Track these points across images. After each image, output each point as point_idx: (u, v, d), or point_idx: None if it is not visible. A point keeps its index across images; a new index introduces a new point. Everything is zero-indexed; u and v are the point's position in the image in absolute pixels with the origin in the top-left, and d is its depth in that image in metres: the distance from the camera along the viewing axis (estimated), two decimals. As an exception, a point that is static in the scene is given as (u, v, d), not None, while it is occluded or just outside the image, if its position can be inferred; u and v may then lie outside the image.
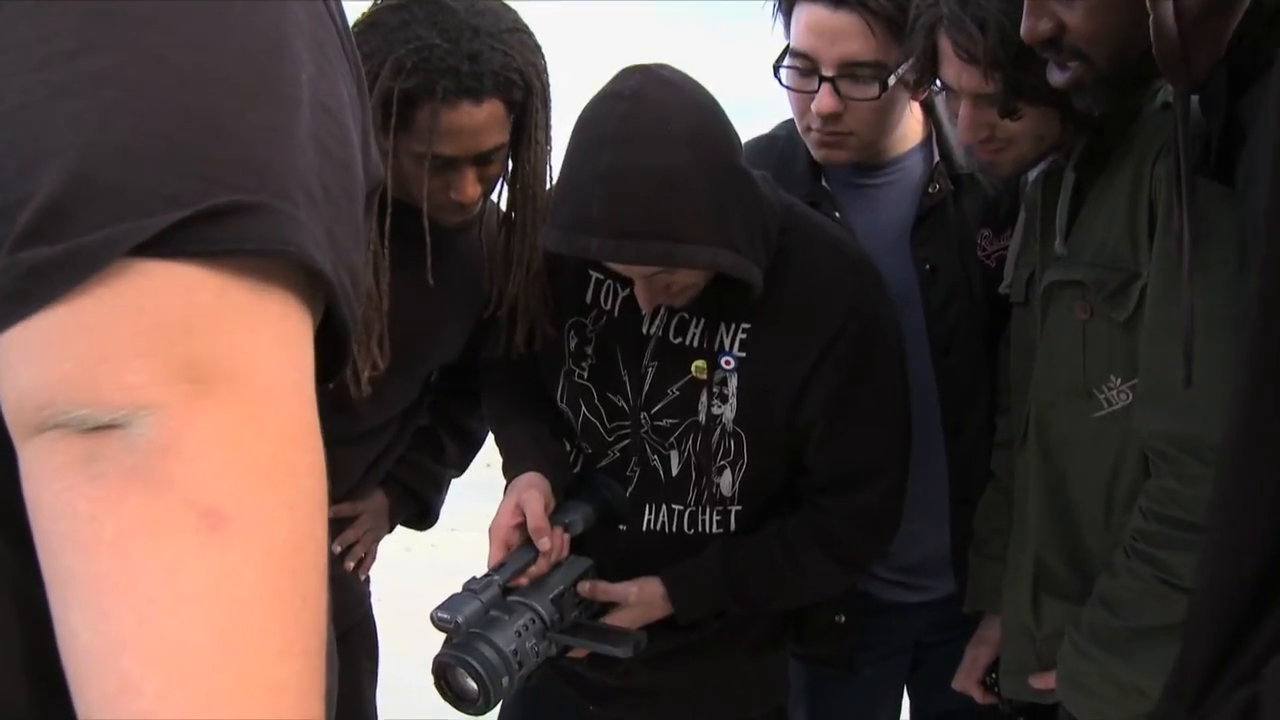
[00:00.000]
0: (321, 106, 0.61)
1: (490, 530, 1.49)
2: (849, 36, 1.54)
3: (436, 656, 1.37)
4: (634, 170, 1.32)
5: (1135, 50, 1.13)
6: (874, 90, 1.56)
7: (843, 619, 1.77)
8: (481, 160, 1.48)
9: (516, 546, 1.48)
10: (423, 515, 1.92)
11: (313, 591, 0.58)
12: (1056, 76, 1.20)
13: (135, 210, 0.52)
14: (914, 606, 1.81)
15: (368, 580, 1.85)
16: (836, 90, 1.57)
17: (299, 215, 0.56)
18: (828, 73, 1.57)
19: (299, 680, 0.56)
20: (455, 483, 2.00)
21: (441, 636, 1.40)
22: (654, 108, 1.34)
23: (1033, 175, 1.54)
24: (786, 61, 1.62)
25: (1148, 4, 1.01)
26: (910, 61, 1.45)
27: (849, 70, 1.56)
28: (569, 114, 1.46)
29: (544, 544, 1.46)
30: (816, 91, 1.58)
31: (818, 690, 1.89)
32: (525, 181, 1.52)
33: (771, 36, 1.66)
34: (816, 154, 1.67)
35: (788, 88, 1.64)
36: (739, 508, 1.57)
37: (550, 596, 1.46)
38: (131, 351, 0.52)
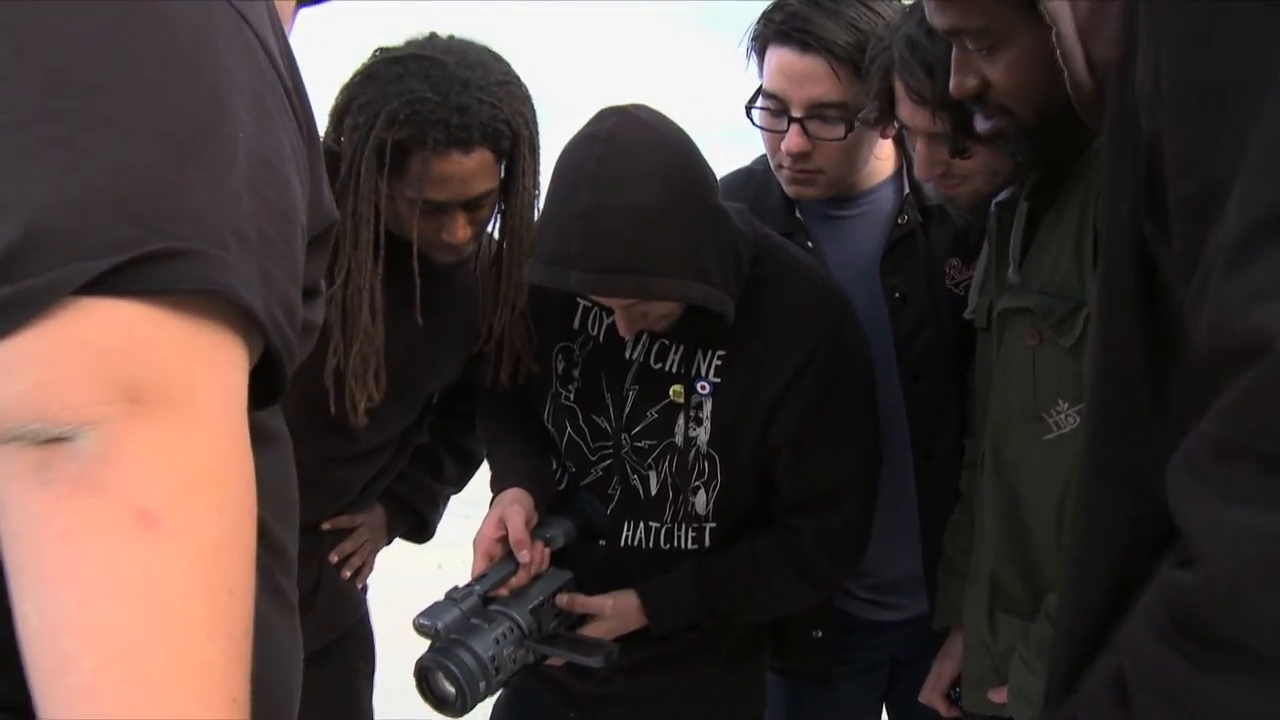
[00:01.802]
0: (260, 159, 0.70)
1: (474, 542, 1.58)
2: (816, 80, 1.63)
3: (418, 660, 1.45)
4: (609, 209, 1.40)
5: (1056, 102, 1.19)
6: (840, 130, 1.64)
7: (820, 635, 1.83)
8: (471, 205, 1.58)
9: (499, 558, 1.56)
10: (420, 529, 2.01)
11: (239, 584, 0.67)
12: (982, 125, 1.27)
13: (81, 255, 0.61)
14: (889, 624, 1.88)
15: (365, 589, 1.94)
16: (805, 130, 1.65)
17: (229, 258, 0.65)
18: (797, 114, 1.65)
19: (224, 661, 0.65)
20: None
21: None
22: (628, 148, 1.42)
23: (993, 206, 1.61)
24: (759, 102, 1.70)
25: (1059, 60, 1.08)
26: (870, 102, 1.53)
27: (817, 111, 1.65)
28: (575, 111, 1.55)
29: (524, 557, 1.54)
30: (786, 131, 1.66)
31: (797, 704, 1.95)
32: (513, 225, 1.61)
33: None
34: (788, 190, 1.75)
35: (760, 127, 1.72)
36: (713, 525, 1.64)
37: (529, 607, 1.54)
38: (77, 375, 0.61)
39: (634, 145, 1.43)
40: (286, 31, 1.09)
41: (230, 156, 0.67)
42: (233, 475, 0.66)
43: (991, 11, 1.14)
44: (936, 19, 1.21)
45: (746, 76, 1.76)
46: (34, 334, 0.60)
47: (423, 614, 1.48)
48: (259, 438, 0.74)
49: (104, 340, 0.61)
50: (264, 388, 0.73)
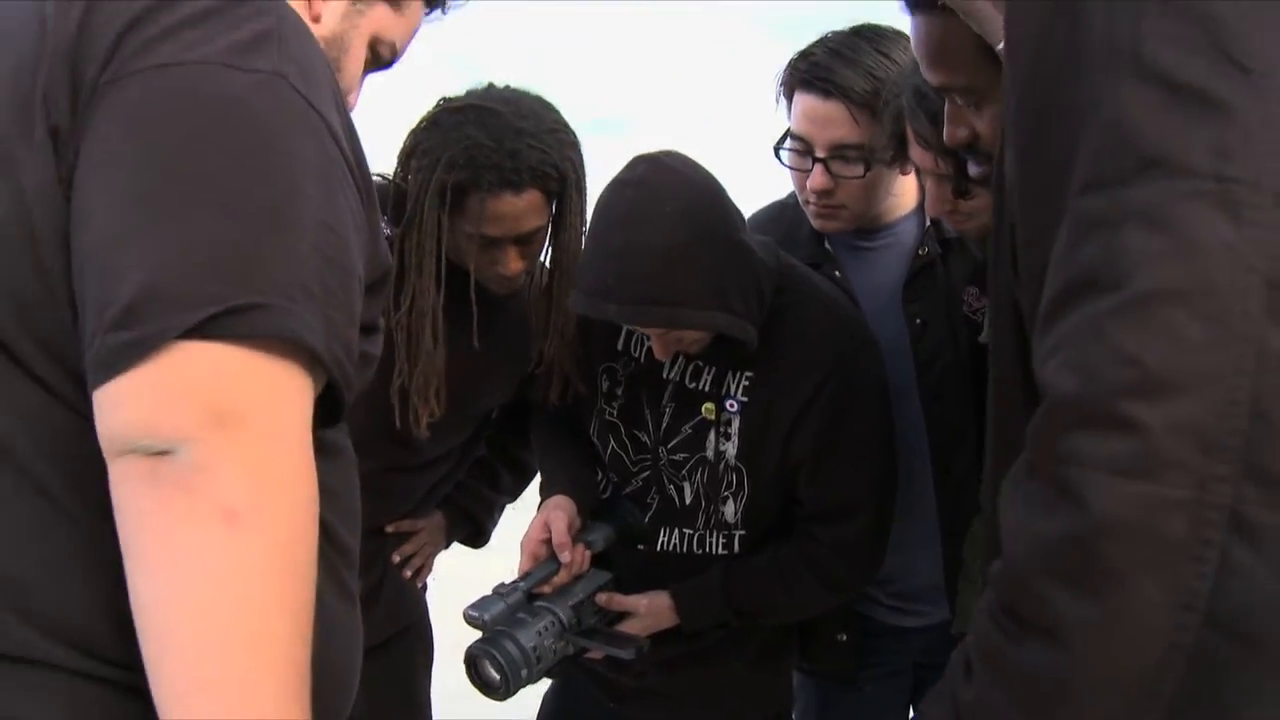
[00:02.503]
0: (324, 225, 0.87)
1: (521, 543, 1.75)
2: (837, 123, 1.77)
3: (468, 648, 1.62)
4: (641, 248, 1.56)
5: None
6: (860, 169, 1.78)
7: (844, 638, 1.96)
8: (522, 240, 1.75)
9: (543, 558, 1.72)
10: (476, 535, 2.18)
11: (304, 572, 0.84)
12: (974, 170, 1.40)
13: (182, 309, 0.78)
14: (911, 630, 1.99)
15: (424, 588, 2.11)
16: (828, 170, 1.79)
17: (297, 309, 0.82)
18: (820, 154, 1.80)
19: (290, 633, 0.82)
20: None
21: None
22: (657, 192, 1.58)
23: None
24: (786, 144, 1.85)
25: None
26: (886, 144, 1.66)
27: (839, 152, 1.79)
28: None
29: (565, 557, 1.70)
30: (811, 170, 1.80)
31: (825, 705, 2.07)
32: (561, 259, 1.78)
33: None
34: (815, 224, 1.89)
35: (788, 167, 1.86)
36: (742, 533, 1.78)
37: (570, 603, 1.70)
38: (178, 403, 0.78)
39: (661, 189, 1.58)
40: (354, 96, 1.27)
41: (300, 226, 0.84)
42: (299, 483, 0.83)
43: (974, 72, 1.26)
44: (929, 76, 1.34)
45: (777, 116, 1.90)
46: (147, 370, 0.78)
47: (472, 606, 1.64)
48: (325, 452, 0.91)
49: (199, 375, 0.79)
50: (328, 410, 0.90)
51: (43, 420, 0.85)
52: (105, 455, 0.80)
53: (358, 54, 1.21)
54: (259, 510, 0.79)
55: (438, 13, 1.33)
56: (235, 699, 0.78)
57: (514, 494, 2.26)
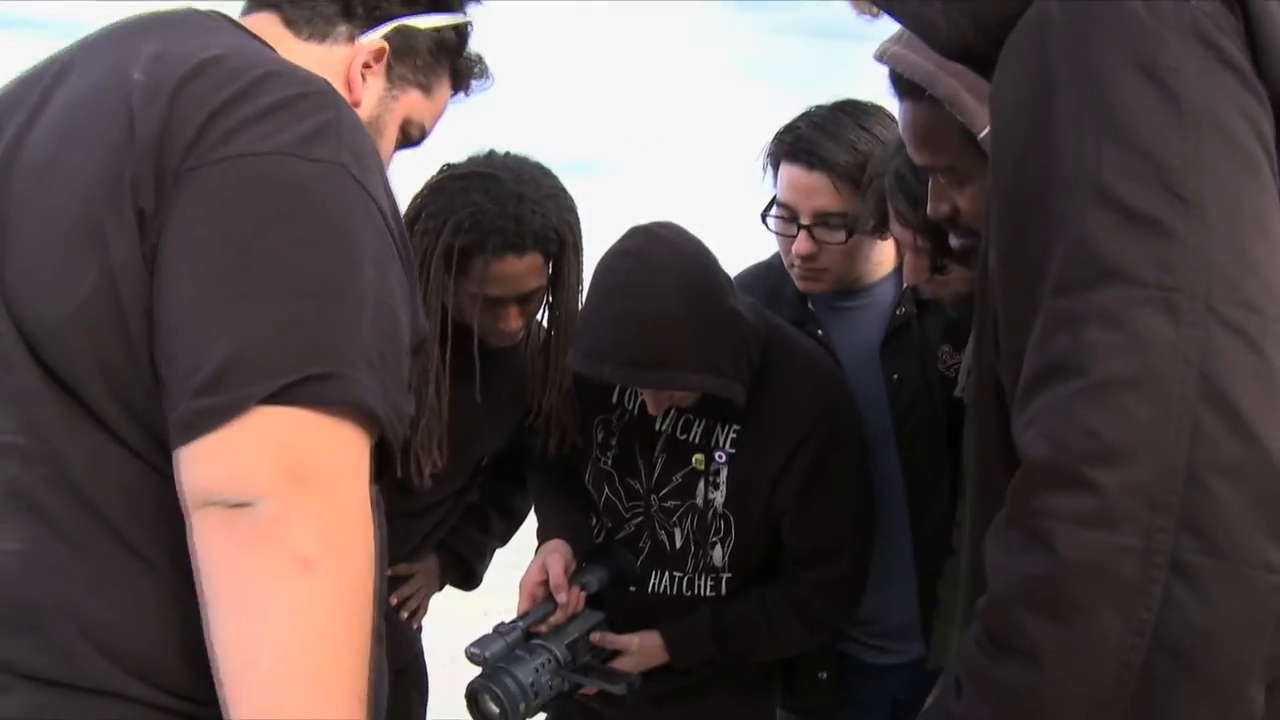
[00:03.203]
0: (380, 303, 0.97)
1: (520, 585, 1.84)
2: (820, 193, 1.89)
3: (469, 684, 1.71)
4: (636, 316, 1.67)
5: None
6: (842, 236, 1.90)
7: (825, 676, 2.06)
8: (523, 299, 1.86)
9: (541, 599, 1.81)
10: (468, 578, 2.27)
11: (364, 615, 0.94)
12: (955, 242, 1.52)
13: (261, 377, 0.88)
14: (889, 668, 2.09)
15: (419, 629, 2.19)
16: (812, 236, 1.91)
17: (360, 378, 0.92)
18: (805, 221, 1.91)
19: (353, 668, 0.92)
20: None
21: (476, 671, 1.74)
22: (652, 263, 1.70)
23: None
24: (773, 211, 1.97)
25: None
26: (868, 216, 1.78)
27: (822, 220, 1.91)
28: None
29: (562, 598, 1.79)
30: (796, 236, 1.92)
31: (805, 740, 2.17)
32: (560, 317, 1.89)
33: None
34: (799, 285, 2.01)
35: (774, 232, 1.98)
36: (729, 575, 1.88)
37: (566, 642, 1.79)
38: (257, 461, 0.88)
39: (656, 261, 1.70)
40: (385, 169, 1.37)
41: (360, 303, 0.94)
42: (362, 532, 0.93)
43: (956, 155, 1.38)
44: (914, 156, 1.45)
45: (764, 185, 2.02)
46: (230, 431, 0.87)
47: (474, 644, 1.73)
48: (371, 503, 1.00)
49: (276, 437, 0.88)
50: (376, 464, 1.00)
51: (125, 477, 0.94)
52: (187, 507, 0.89)
53: (391, 135, 1.32)
54: (329, 558, 0.89)
55: (460, 94, 1.43)
56: None
57: (504, 538, 2.35)
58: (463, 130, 1.79)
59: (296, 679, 0.87)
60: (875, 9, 1.12)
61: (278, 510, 0.87)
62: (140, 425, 0.95)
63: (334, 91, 1.06)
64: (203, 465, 0.88)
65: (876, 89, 1.21)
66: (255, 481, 0.87)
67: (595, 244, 1.87)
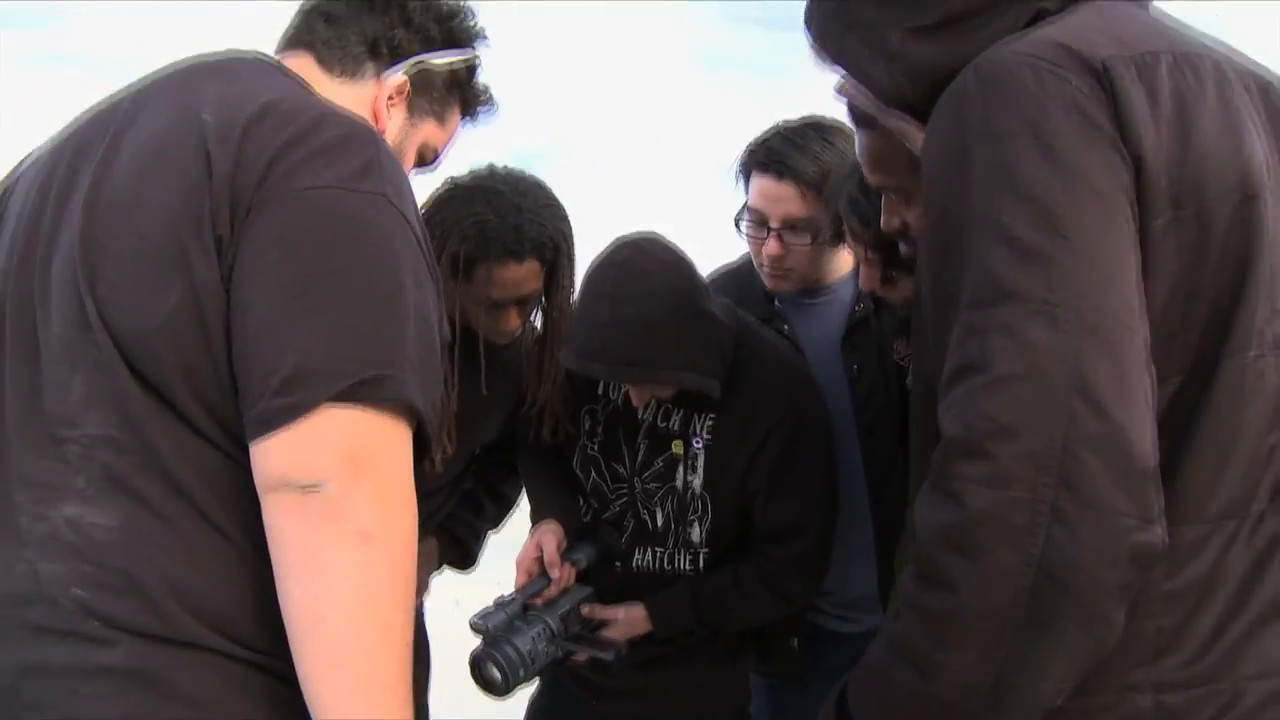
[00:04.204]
0: (419, 313, 1.15)
1: (516, 561, 2.02)
2: (788, 200, 2.08)
3: (472, 652, 1.89)
4: (622, 320, 1.86)
5: None
6: (807, 239, 2.09)
7: (795, 643, 2.25)
8: (521, 302, 2.04)
9: (536, 575, 2.00)
10: (464, 559, 2.45)
11: (411, 576, 1.11)
12: (904, 249, 1.71)
13: (326, 381, 1.05)
14: (853, 636, 2.26)
15: (421, 604, 2.36)
16: (780, 239, 2.10)
17: (407, 378, 1.10)
18: (774, 225, 2.11)
19: (404, 623, 1.09)
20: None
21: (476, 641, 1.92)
22: (637, 274, 1.89)
23: None
24: (745, 218, 2.15)
25: None
26: (828, 227, 1.98)
27: (789, 225, 2.10)
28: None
29: (555, 574, 1.98)
30: (766, 239, 2.11)
31: (777, 703, 2.36)
32: (554, 316, 2.07)
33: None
34: (768, 284, 2.20)
35: (746, 236, 2.17)
36: (706, 551, 2.07)
37: (559, 614, 1.97)
38: (324, 450, 1.05)
39: (640, 271, 1.89)
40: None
41: (405, 315, 1.12)
42: (409, 509, 1.11)
43: (905, 177, 1.56)
44: (870, 177, 1.63)
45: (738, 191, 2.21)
46: (300, 427, 1.05)
47: (476, 615, 1.91)
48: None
49: (340, 430, 1.06)
50: (415, 450, 1.18)
51: (206, 464, 1.12)
52: (261, 491, 1.07)
53: (409, 158, 1.50)
54: (385, 531, 1.07)
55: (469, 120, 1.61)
56: (370, 669, 1.05)
57: (496, 521, 2.53)
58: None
59: (359, 632, 1.05)
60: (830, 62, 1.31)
61: (341, 491, 1.05)
62: (218, 421, 1.12)
63: (373, 130, 1.24)
64: (277, 455, 1.06)
65: (834, 78, 1.37)
66: (322, 467, 1.05)
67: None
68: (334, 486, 1.05)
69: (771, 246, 2.12)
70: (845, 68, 1.27)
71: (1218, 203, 1.02)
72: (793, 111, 2.24)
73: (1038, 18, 1.16)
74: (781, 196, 2.09)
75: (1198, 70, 1.06)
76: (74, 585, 1.09)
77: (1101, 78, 1.02)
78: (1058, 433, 0.94)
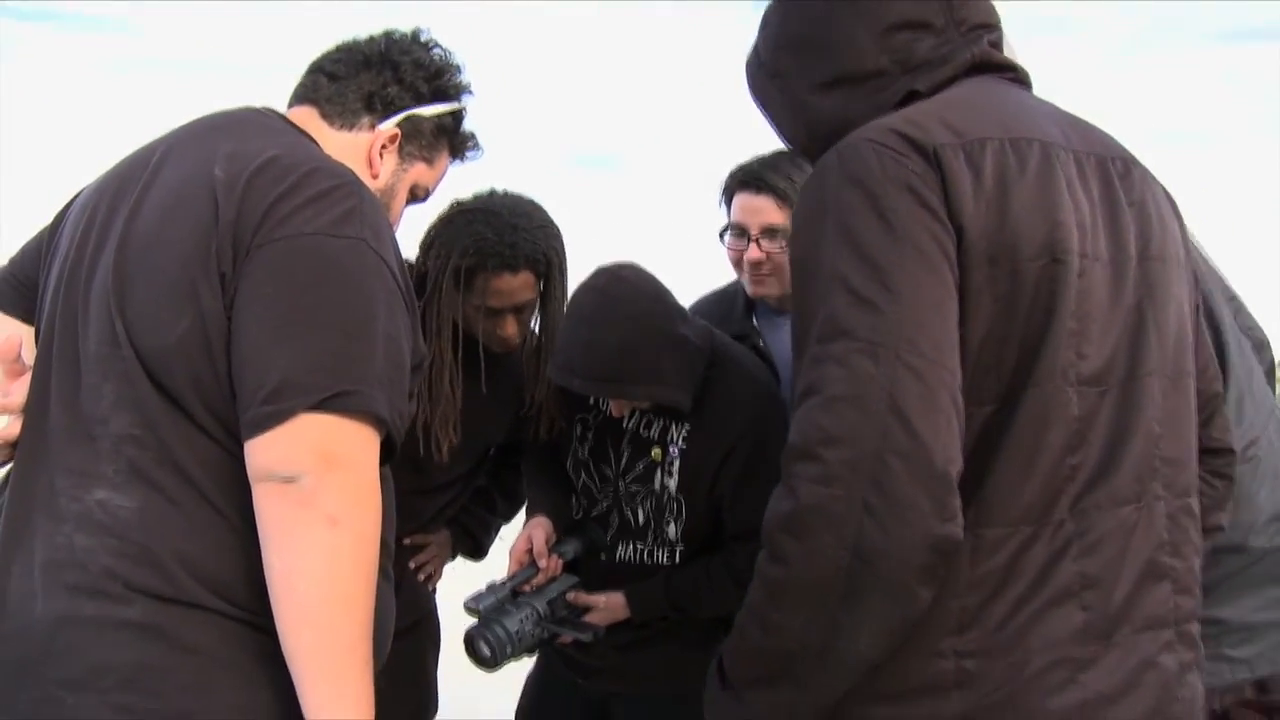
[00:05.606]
0: (389, 337, 1.38)
1: (509, 552, 2.26)
2: (767, 211, 2.31)
3: (466, 631, 2.12)
4: (599, 342, 2.10)
5: None
6: (784, 243, 2.30)
7: None
8: (518, 311, 2.28)
9: (526, 564, 2.23)
10: (475, 550, 2.69)
11: (374, 559, 1.33)
12: None
13: (306, 393, 1.29)
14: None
15: (434, 590, 2.61)
16: (760, 246, 2.33)
17: (375, 393, 1.33)
18: (754, 234, 2.33)
19: (365, 598, 1.32)
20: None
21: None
22: (613, 300, 2.13)
23: None
24: (728, 231, 2.39)
25: None
26: None
27: (768, 232, 2.32)
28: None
29: (543, 564, 2.21)
30: (747, 247, 2.34)
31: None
32: (548, 325, 2.30)
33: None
34: (750, 290, 2.42)
35: (730, 247, 2.40)
36: (682, 547, 2.28)
37: (546, 599, 2.20)
38: (302, 449, 1.29)
39: (616, 298, 2.13)
40: (397, 225, 1.77)
41: (375, 339, 1.36)
42: (373, 501, 1.34)
43: None
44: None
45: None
46: (283, 429, 1.29)
47: (470, 598, 2.15)
48: (380, 479, 1.42)
49: (315, 434, 1.30)
50: (384, 453, 1.41)
51: (211, 457, 1.36)
52: (251, 481, 1.31)
53: (402, 197, 1.73)
54: (350, 518, 1.30)
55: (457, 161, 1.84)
56: (333, 630, 1.29)
57: (508, 516, 2.77)
58: (480, 126, 2.02)
59: (324, 599, 1.28)
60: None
61: (315, 483, 1.29)
62: (220, 422, 1.36)
63: (358, 181, 1.47)
64: (264, 451, 1.30)
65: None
66: (299, 463, 1.29)
67: (612, 232, 2.25)
68: (309, 479, 1.29)
69: (753, 253, 2.34)
70: (763, 111, 1.50)
71: (1028, 263, 1.24)
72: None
73: (912, 97, 1.38)
74: (760, 208, 2.32)
75: (1022, 154, 1.28)
76: (102, 554, 1.34)
77: (932, 162, 1.24)
78: (871, 444, 1.15)
